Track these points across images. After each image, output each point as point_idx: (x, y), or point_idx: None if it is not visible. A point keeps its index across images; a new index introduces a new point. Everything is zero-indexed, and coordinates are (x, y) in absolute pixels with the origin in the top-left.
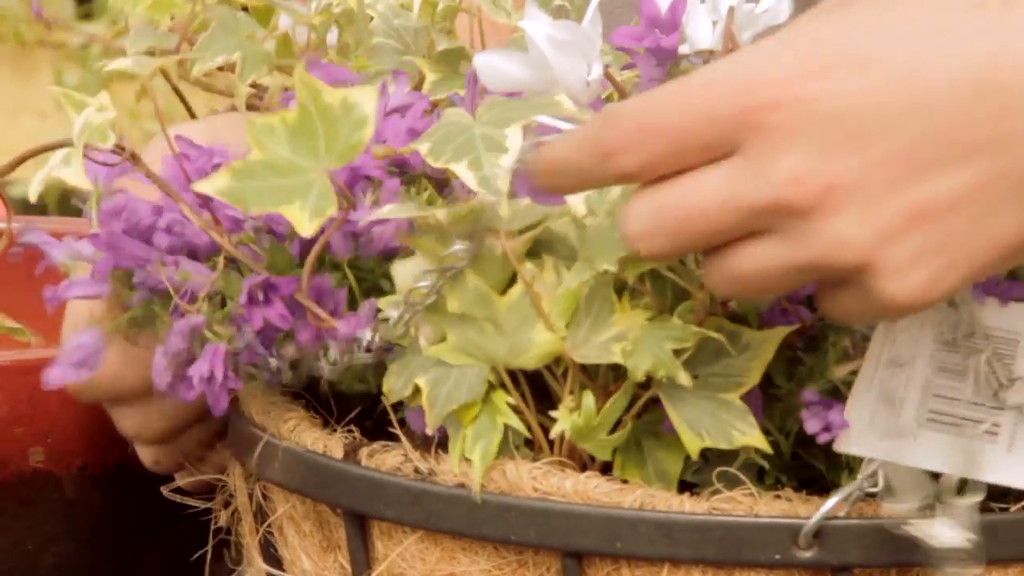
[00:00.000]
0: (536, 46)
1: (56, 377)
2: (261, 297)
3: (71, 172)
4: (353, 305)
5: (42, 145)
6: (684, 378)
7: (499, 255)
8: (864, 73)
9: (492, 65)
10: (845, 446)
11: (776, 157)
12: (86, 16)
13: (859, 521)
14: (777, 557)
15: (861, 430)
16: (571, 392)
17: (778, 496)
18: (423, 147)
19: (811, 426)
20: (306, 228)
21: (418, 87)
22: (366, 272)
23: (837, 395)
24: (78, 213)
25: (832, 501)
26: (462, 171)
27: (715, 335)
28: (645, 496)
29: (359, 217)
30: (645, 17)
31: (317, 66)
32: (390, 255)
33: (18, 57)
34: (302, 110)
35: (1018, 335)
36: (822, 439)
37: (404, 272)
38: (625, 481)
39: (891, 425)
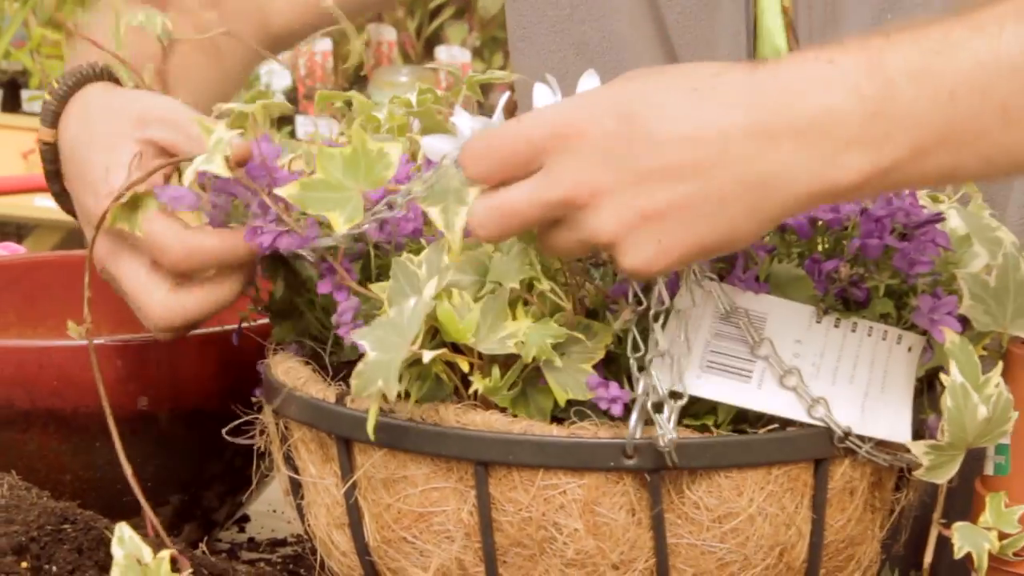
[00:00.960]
0: (462, 133)
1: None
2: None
3: (215, 166)
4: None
5: (176, 158)
6: (558, 361)
7: None
8: (624, 123)
9: (433, 144)
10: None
11: (565, 170)
12: None
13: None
14: (612, 464)
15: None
16: (480, 367)
17: (614, 425)
18: (418, 190)
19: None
20: (340, 228)
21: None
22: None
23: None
24: None
25: (632, 422)
26: (435, 215)
27: (577, 335)
28: (527, 426)
29: (391, 216)
30: None
31: None
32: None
33: None
34: (354, 149)
35: (765, 313)
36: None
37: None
38: (515, 415)
39: (685, 370)
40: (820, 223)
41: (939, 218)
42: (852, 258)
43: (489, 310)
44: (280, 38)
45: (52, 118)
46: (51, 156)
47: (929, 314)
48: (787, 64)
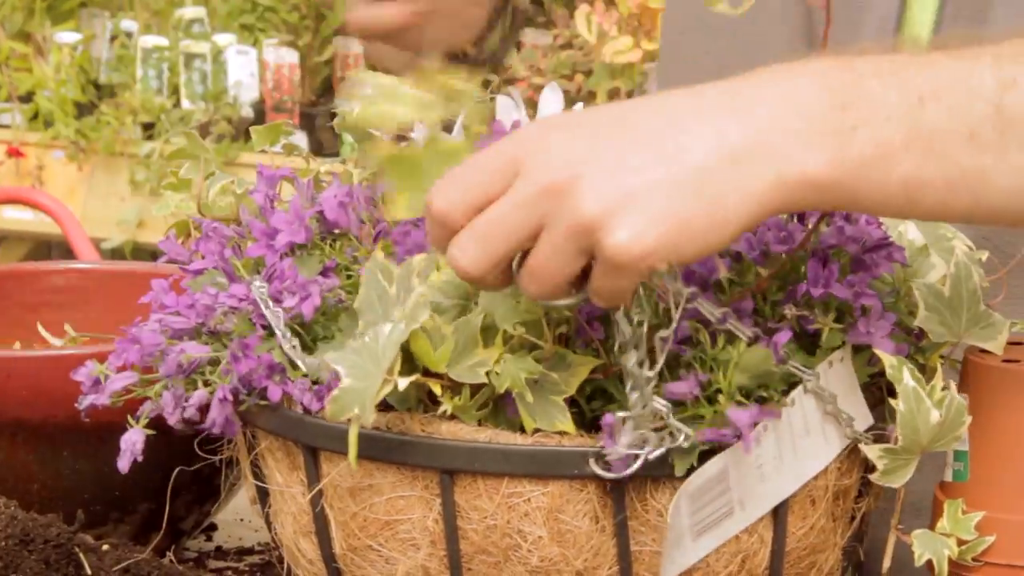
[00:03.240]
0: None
1: None
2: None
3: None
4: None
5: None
6: (530, 396)
7: None
8: (592, 117)
9: None
10: None
11: (539, 165)
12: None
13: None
14: (575, 472)
15: None
16: (449, 388)
17: (581, 435)
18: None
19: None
20: (399, 213)
21: None
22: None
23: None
24: (148, 258)
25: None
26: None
27: (551, 374)
28: (492, 434)
29: None
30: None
31: None
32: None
33: (107, 160)
34: (427, 150)
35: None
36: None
37: None
38: (480, 424)
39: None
40: (772, 255)
41: (888, 241)
42: (805, 299)
43: (461, 335)
44: None
45: None
46: None
47: (867, 331)
48: (765, 68)
